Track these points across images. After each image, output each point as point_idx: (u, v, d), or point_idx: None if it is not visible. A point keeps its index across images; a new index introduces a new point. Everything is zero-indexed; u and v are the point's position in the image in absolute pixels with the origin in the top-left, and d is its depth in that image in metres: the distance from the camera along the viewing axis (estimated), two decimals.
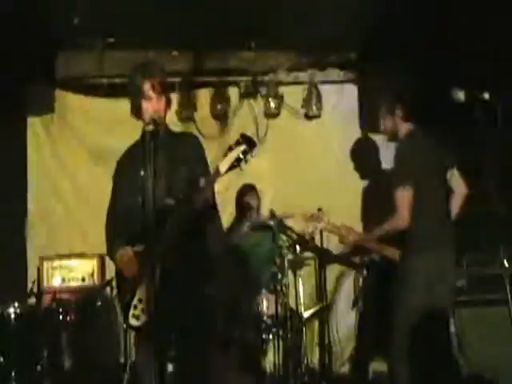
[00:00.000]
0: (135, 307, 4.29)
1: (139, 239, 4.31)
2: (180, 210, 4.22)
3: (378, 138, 7.15)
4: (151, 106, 4.37)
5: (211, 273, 5.30)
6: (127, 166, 4.54)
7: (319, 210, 5.41)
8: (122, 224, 4.44)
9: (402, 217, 4.89)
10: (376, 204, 6.03)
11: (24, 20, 6.72)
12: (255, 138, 4.22)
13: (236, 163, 4.08)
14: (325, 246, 6.77)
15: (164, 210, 4.18)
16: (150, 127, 4.29)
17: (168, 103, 4.47)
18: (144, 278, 4.20)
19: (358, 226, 7.08)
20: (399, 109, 5.16)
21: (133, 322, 4.30)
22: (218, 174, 4.12)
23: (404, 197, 4.88)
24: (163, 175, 4.27)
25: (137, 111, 4.44)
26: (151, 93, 4.36)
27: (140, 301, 4.27)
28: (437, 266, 4.89)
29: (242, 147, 4.07)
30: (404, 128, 5.14)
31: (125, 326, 4.44)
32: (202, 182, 4.18)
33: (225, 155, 4.09)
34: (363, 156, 7.45)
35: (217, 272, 6.67)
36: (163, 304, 3.91)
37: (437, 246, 4.91)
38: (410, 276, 4.91)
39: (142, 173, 4.29)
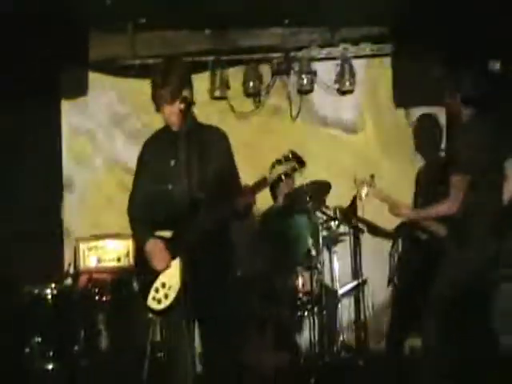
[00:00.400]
0: (157, 290, 4.32)
1: (167, 226, 4.35)
2: (219, 211, 4.28)
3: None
4: (167, 109, 4.32)
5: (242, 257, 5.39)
6: (155, 153, 4.51)
7: (372, 176, 5.30)
8: (149, 210, 4.46)
9: (454, 204, 4.79)
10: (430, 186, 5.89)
11: (56, 3, 6.74)
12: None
13: (283, 177, 4.20)
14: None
15: (195, 202, 4.21)
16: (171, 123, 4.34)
17: (187, 103, 4.27)
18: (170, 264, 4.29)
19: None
20: (459, 93, 4.99)
21: (153, 304, 4.34)
22: (264, 184, 4.23)
23: (461, 183, 4.76)
24: (191, 168, 4.23)
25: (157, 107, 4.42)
26: (162, 103, 4.31)
27: (163, 285, 4.30)
28: (485, 255, 4.84)
29: (292, 164, 4.17)
30: (466, 112, 4.99)
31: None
32: (249, 186, 4.27)
33: (273, 167, 4.19)
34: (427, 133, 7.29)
35: (250, 253, 6.74)
36: (193, 291, 3.97)
37: (488, 235, 4.85)
38: (458, 263, 4.86)
39: (173, 162, 4.33)
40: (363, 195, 5.27)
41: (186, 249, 4.12)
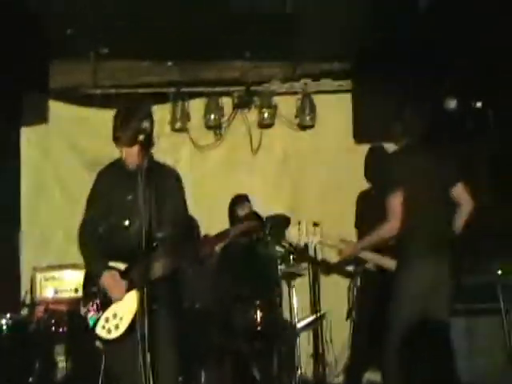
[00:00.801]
0: (107, 320, 4.41)
1: (121, 258, 4.45)
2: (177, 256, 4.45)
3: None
4: (125, 154, 4.48)
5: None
6: (110, 185, 4.61)
7: (315, 224, 5.40)
8: (103, 241, 4.56)
9: (392, 224, 4.94)
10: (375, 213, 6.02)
11: (17, 31, 6.71)
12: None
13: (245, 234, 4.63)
14: (319, 255, 6.75)
15: (151, 239, 4.27)
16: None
17: (145, 147, 4.35)
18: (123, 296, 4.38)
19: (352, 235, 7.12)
20: (398, 125, 5.24)
21: (103, 334, 4.42)
22: (226, 237, 4.50)
23: (395, 203, 4.92)
24: (147, 205, 4.26)
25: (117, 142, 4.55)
26: (125, 146, 4.46)
27: (115, 316, 4.39)
28: (432, 277, 4.91)
29: (253, 224, 4.54)
30: (400, 142, 5.21)
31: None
32: (211, 237, 4.54)
33: (235, 223, 4.64)
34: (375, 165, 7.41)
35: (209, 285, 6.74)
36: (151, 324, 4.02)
37: (432, 258, 4.92)
38: (404, 286, 4.91)
39: (129, 197, 4.43)
40: (312, 244, 5.39)
41: (141, 282, 4.12)
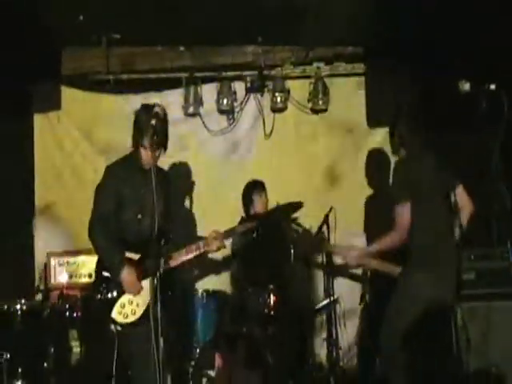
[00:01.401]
0: (123, 306, 4.55)
1: (134, 249, 4.63)
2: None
3: None
4: (147, 155, 4.70)
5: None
6: (125, 177, 4.77)
7: (322, 232, 5.45)
8: (117, 233, 4.70)
9: (400, 231, 5.00)
10: (380, 217, 6.03)
11: (29, 18, 6.71)
12: None
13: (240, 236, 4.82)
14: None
15: (162, 232, 4.51)
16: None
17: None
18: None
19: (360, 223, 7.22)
20: (401, 127, 5.23)
21: (119, 318, 4.57)
22: (233, 234, 4.78)
23: (402, 213, 4.97)
24: (159, 201, 4.46)
25: (137, 145, 4.77)
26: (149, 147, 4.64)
27: (131, 302, 4.55)
28: (436, 282, 4.95)
29: (250, 225, 4.79)
30: (405, 146, 5.22)
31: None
32: (212, 235, 4.76)
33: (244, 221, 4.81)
34: (375, 168, 7.42)
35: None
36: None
37: (436, 263, 4.96)
38: (409, 291, 4.99)
39: (143, 191, 4.63)
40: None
41: (154, 271, 4.36)
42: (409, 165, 5.15)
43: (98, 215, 4.71)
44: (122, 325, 4.58)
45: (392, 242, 5.05)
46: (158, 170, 4.65)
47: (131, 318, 4.51)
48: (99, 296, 4.69)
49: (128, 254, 4.60)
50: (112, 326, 4.73)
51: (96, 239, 4.67)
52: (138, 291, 4.53)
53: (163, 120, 4.67)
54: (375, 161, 7.19)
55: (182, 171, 7.31)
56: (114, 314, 4.55)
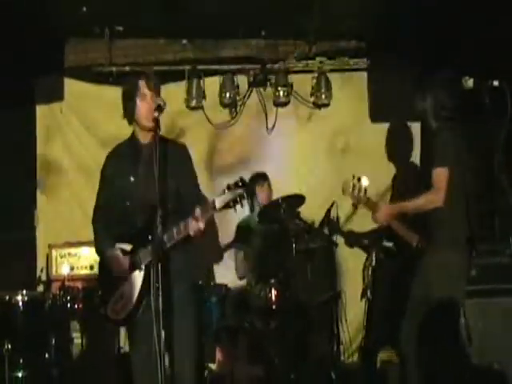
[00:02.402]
0: (116, 302, 4.39)
1: (127, 239, 4.42)
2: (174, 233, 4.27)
3: None
4: (146, 104, 4.37)
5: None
6: (117, 166, 4.56)
7: (359, 179, 5.26)
8: (111, 223, 4.53)
9: (439, 194, 4.90)
10: (405, 194, 5.98)
11: (33, 9, 6.70)
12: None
13: (232, 204, 4.12)
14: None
15: (152, 218, 4.20)
16: (156, 114, 4.25)
17: (160, 109, 4.34)
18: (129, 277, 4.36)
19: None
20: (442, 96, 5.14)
21: (112, 315, 4.42)
22: (213, 209, 4.16)
23: (443, 175, 4.90)
24: (151, 184, 4.21)
25: (130, 115, 4.45)
26: (146, 90, 4.38)
27: (122, 296, 4.36)
28: (460, 261, 4.97)
29: (239, 191, 4.10)
30: (438, 122, 5.15)
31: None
32: (198, 212, 4.17)
33: (222, 193, 4.12)
34: (398, 144, 7.41)
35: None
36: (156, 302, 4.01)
37: (461, 240, 4.98)
38: (447, 271, 4.93)
39: (132, 178, 4.41)
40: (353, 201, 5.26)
41: (147, 260, 4.22)
42: (454, 129, 5.09)
43: (96, 205, 4.64)
44: (114, 322, 4.49)
45: (427, 202, 4.94)
46: (161, 145, 4.32)
47: (122, 315, 4.35)
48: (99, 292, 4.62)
49: (121, 245, 4.42)
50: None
51: (93, 228, 4.63)
52: (123, 271, 4.34)
53: (147, 87, 4.39)
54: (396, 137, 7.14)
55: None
56: (109, 312, 4.42)
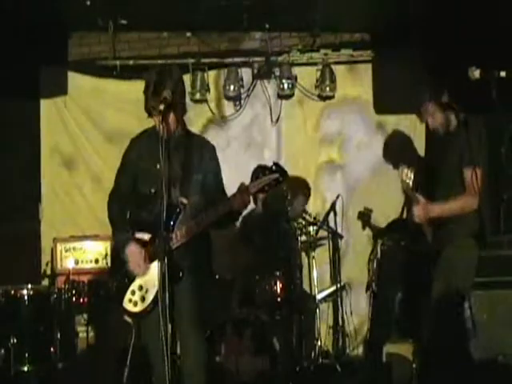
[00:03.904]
0: (133, 293, 4.34)
1: (147, 228, 4.37)
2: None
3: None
4: (160, 121, 4.23)
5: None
6: (142, 151, 4.49)
7: (408, 167, 5.14)
8: (130, 210, 4.49)
9: (475, 197, 4.83)
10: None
11: (36, 3, 6.69)
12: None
13: (267, 188, 4.18)
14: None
15: (176, 208, 4.26)
16: (162, 106, 4.16)
17: (183, 112, 4.42)
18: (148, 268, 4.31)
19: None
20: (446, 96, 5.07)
21: (129, 307, 4.36)
22: (247, 192, 4.17)
23: (474, 176, 4.79)
24: (176, 174, 4.29)
25: (149, 112, 4.38)
26: (161, 111, 4.21)
27: (140, 288, 4.32)
28: (474, 255, 4.98)
29: (275, 176, 4.16)
30: (454, 117, 5.07)
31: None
32: (242, 186, 4.21)
33: (258, 177, 4.19)
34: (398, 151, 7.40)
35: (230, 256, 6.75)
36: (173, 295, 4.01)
37: (475, 234, 4.96)
38: (456, 262, 4.92)
39: (158, 166, 4.21)
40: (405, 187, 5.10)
41: (164, 252, 4.08)
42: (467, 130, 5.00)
43: (114, 190, 4.53)
44: (132, 314, 4.40)
45: (465, 205, 4.86)
46: (184, 137, 4.39)
47: (140, 307, 4.29)
48: (114, 282, 4.55)
49: (139, 235, 4.36)
50: (125, 317, 4.67)
51: (109, 214, 4.49)
52: (143, 272, 4.29)
53: (168, 78, 4.29)
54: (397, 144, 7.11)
55: None
56: (125, 303, 4.35)
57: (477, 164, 4.83)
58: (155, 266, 4.20)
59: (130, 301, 4.33)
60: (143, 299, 4.29)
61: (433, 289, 4.97)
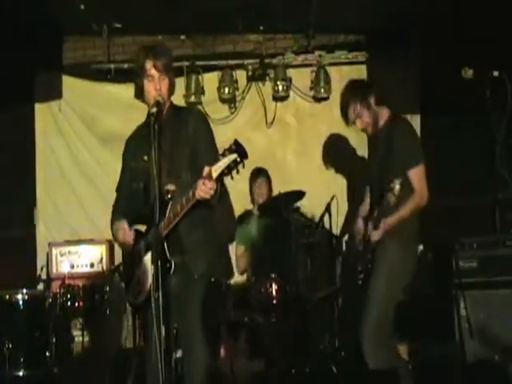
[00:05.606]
0: (134, 286, 4.36)
1: (142, 221, 4.36)
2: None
3: None
4: (153, 85, 4.30)
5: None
6: (133, 148, 4.54)
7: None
8: (125, 206, 4.52)
9: (422, 195, 4.80)
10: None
11: (30, 7, 6.69)
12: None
13: (227, 171, 3.85)
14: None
15: (165, 196, 4.16)
16: (154, 109, 4.20)
17: (171, 86, 4.40)
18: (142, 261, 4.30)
19: None
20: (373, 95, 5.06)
21: (131, 299, 4.41)
22: (209, 178, 3.91)
23: (422, 173, 4.79)
24: (166, 158, 4.22)
25: (140, 92, 4.40)
26: (153, 72, 4.29)
27: (138, 282, 4.32)
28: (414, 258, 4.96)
29: (234, 156, 3.82)
30: (385, 113, 5.05)
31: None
32: (206, 170, 3.94)
33: (217, 160, 3.88)
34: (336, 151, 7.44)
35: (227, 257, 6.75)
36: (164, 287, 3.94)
37: (416, 236, 4.97)
38: (407, 267, 4.89)
39: (146, 157, 4.32)
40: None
41: (157, 243, 4.05)
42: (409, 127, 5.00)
43: (116, 189, 4.63)
44: (133, 306, 4.50)
45: (416, 206, 4.80)
46: (172, 113, 4.34)
47: (139, 299, 4.29)
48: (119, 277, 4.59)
49: (137, 227, 4.36)
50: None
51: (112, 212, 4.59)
52: (129, 240, 4.33)
53: (154, 68, 4.27)
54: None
55: None
56: (129, 296, 4.42)
57: (418, 162, 4.80)
58: (148, 258, 4.17)
59: (132, 294, 4.38)
60: (140, 292, 4.28)
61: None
